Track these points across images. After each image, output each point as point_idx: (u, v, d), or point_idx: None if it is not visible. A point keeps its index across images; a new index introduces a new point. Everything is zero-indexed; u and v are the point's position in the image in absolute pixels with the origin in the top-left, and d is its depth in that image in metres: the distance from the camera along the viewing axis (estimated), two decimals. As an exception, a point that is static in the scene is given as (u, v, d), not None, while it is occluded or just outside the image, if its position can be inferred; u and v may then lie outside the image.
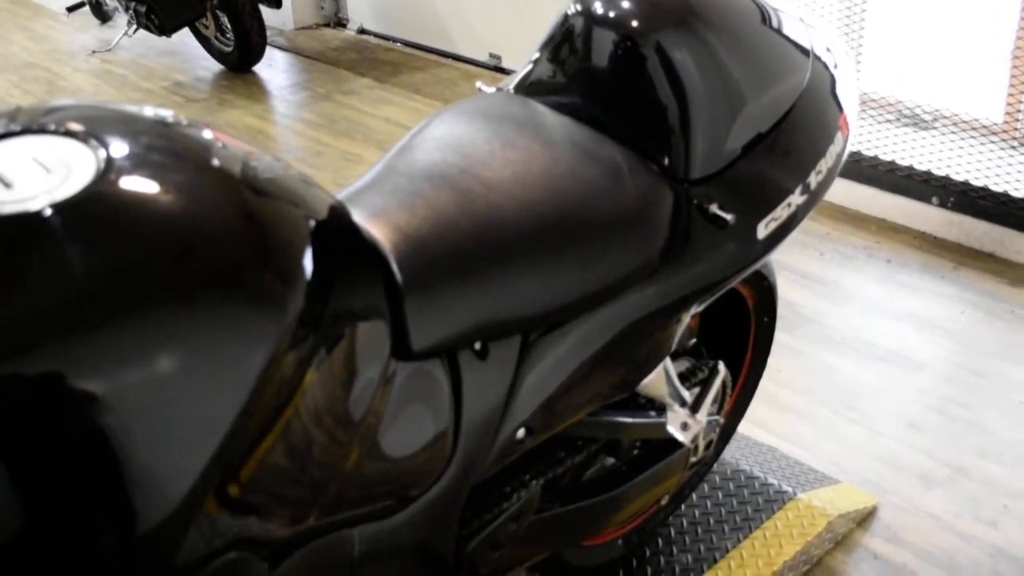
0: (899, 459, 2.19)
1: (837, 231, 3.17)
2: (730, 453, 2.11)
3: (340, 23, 5.62)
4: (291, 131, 4.34)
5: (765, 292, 1.75)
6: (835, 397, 2.39)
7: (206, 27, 5.02)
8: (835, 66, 1.52)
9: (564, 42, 1.41)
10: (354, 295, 1.01)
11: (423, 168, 1.26)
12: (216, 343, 0.85)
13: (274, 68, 5.12)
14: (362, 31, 5.48)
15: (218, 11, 4.83)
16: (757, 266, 1.42)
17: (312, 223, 0.98)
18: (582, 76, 1.39)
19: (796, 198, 1.42)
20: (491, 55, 4.74)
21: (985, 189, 2.98)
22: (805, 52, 1.47)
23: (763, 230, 1.38)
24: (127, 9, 4.78)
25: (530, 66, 1.46)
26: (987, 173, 2.99)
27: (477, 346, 1.17)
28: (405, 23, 5.22)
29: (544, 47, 1.45)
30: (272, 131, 4.33)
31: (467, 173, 1.24)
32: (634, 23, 1.35)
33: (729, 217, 1.32)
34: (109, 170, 0.86)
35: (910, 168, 3.13)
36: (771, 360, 1.92)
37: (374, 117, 4.36)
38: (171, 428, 0.83)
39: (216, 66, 5.13)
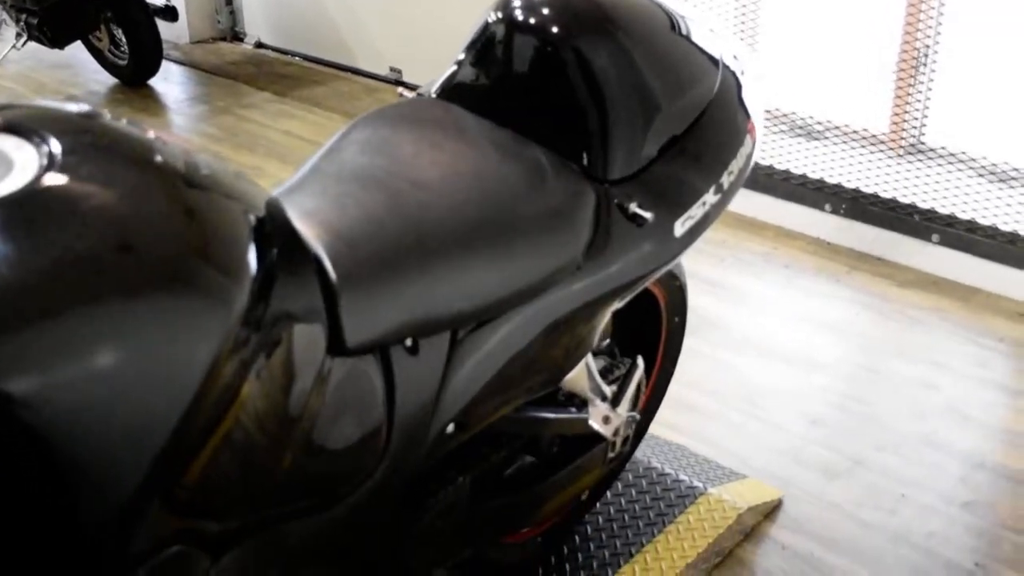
0: (802, 453, 2.27)
1: (736, 238, 3.27)
2: (641, 452, 2.17)
3: (237, 37, 5.57)
4: (190, 145, 4.27)
5: (676, 292, 1.81)
6: (739, 396, 2.47)
7: (99, 39, 4.93)
8: (742, 73, 1.59)
9: (485, 47, 1.45)
10: (293, 293, 1.02)
11: (351, 170, 1.29)
12: (162, 340, 0.85)
13: (170, 82, 5.05)
14: (259, 45, 5.44)
15: (112, 24, 4.75)
16: (674, 263, 1.48)
17: (252, 219, 0.99)
18: (503, 81, 1.43)
19: (710, 197, 1.48)
20: (391, 69, 4.76)
21: (875, 196, 3.12)
22: (715, 60, 1.54)
23: (680, 228, 1.44)
24: (17, 21, 4.67)
25: (452, 71, 1.50)
26: (876, 180, 3.13)
27: (408, 342, 1.19)
28: (303, 37, 5.20)
29: (466, 52, 1.48)
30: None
31: (394, 174, 1.27)
32: (554, 29, 1.40)
33: (648, 216, 1.37)
34: (51, 166, 0.87)
35: (804, 176, 3.25)
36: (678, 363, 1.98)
37: (275, 130, 4.34)
38: (115, 426, 0.83)
39: (110, 79, 5.03)
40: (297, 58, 5.24)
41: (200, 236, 0.92)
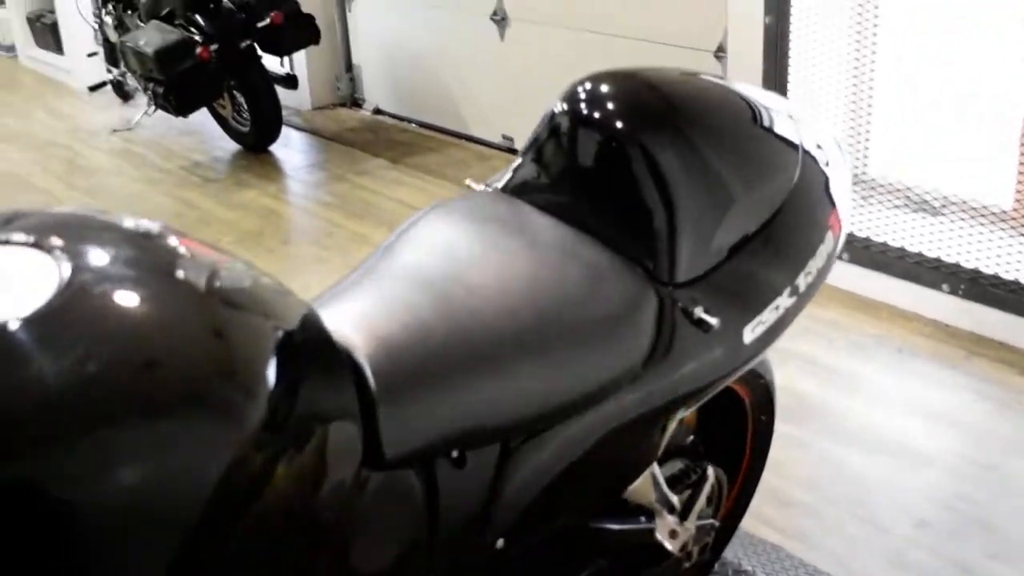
0: (906, 558, 2.13)
1: (847, 318, 3.13)
2: (731, 551, 2.07)
3: (356, 103, 5.68)
4: (305, 211, 4.37)
5: (762, 390, 1.72)
6: (841, 491, 2.34)
7: (223, 107, 5.09)
8: (827, 163, 1.51)
9: (550, 141, 1.41)
10: (323, 404, 1.00)
11: (404, 271, 1.26)
12: (171, 457, 0.83)
13: (290, 148, 5.17)
14: (377, 111, 5.53)
15: (235, 92, 4.90)
16: (744, 370, 1.40)
17: (280, 333, 0.97)
18: (567, 176, 1.39)
19: (784, 300, 1.40)
20: (504, 136, 4.77)
21: (996, 277, 2.95)
22: (794, 149, 1.46)
23: (749, 334, 1.36)
24: (145, 90, 4.85)
25: (517, 164, 1.46)
26: (997, 260, 2.96)
27: (454, 454, 1.15)
28: (419, 104, 5.27)
29: (530, 146, 1.45)
30: (286, 211, 4.36)
31: (448, 276, 1.23)
32: (618, 124, 1.35)
33: (714, 321, 1.29)
34: (72, 283, 0.86)
35: (919, 255, 3.10)
36: (777, 453, 1.89)
37: (387, 198, 4.38)
38: (125, 539, 0.81)
39: (233, 146, 5.18)
40: (413, 124, 5.30)
41: (218, 355, 0.90)
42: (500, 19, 4.56)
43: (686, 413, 1.41)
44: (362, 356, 1.09)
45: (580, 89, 1.41)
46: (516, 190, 1.44)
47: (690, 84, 1.48)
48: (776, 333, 1.40)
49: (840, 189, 1.53)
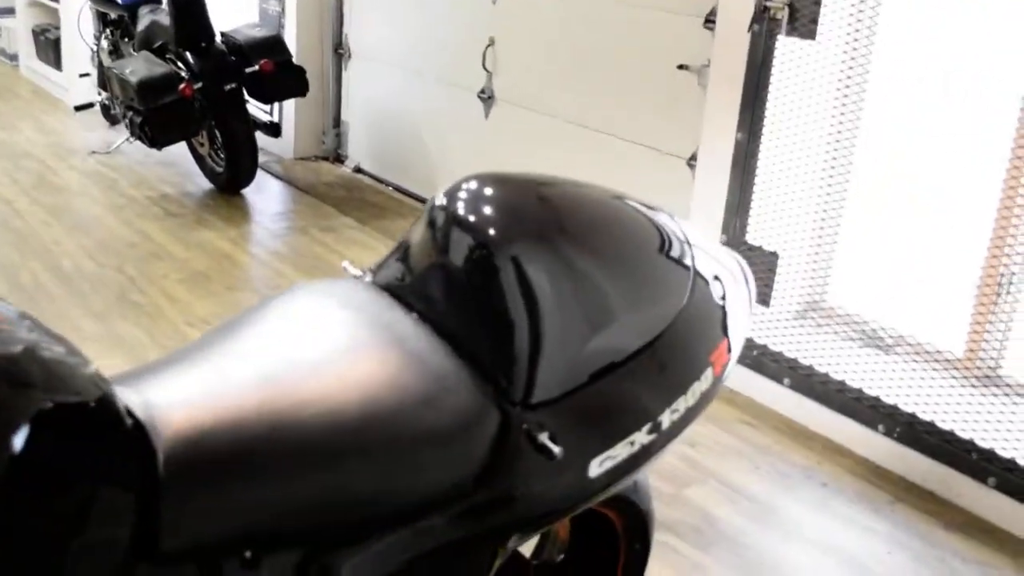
0: None
1: (779, 445, 3.05)
2: None
3: (339, 159, 5.65)
4: (257, 260, 4.30)
5: (636, 517, 1.63)
6: (734, 629, 2.25)
7: (201, 145, 5.06)
8: (722, 296, 1.44)
9: (425, 234, 1.34)
10: (85, 480, 0.93)
11: (240, 351, 1.19)
12: None
13: (262, 194, 5.12)
14: (358, 170, 5.50)
15: (215, 131, 4.87)
16: (587, 505, 1.31)
17: (44, 405, 0.90)
18: (435, 275, 1.32)
19: (642, 436, 1.31)
20: (475, 212, 4.72)
21: (932, 424, 2.87)
22: (684, 279, 1.39)
23: (596, 467, 1.27)
24: (124, 117, 4.82)
25: (393, 252, 1.40)
26: (935, 408, 2.89)
27: (247, 555, 1.06)
28: (398, 168, 5.24)
29: (410, 234, 1.38)
30: (239, 257, 4.29)
31: (281, 365, 1.16)
32: (492, 231, 1.27)
33: (557, 450, 1.21)
34: None
35: (859, 391, 3.03)
36: (669, 577, 1.80)
37: (341, 257, 4.31)
38: None
39: (206, 184, 5.14)
40: (390, 188, 5.26)
41: None
42: (487, 97, 4.55)
43: (521, 542, 1.32)
44: (159, 437, 1.01)
45: (464, 186, 1.34)
46: (387, 279, 1.37)
47: (581, 198, 1.40)
48: (629, 469, 1.31)
49: (734, 324, 1.46)
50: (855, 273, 3.26)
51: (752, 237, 3.23)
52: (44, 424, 0.89)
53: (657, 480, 2.77)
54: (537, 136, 4.31)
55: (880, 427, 2.97)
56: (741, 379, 3.28)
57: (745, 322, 1.51)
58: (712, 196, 3.30)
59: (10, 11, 7.72)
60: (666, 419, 1.33)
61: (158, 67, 4.63)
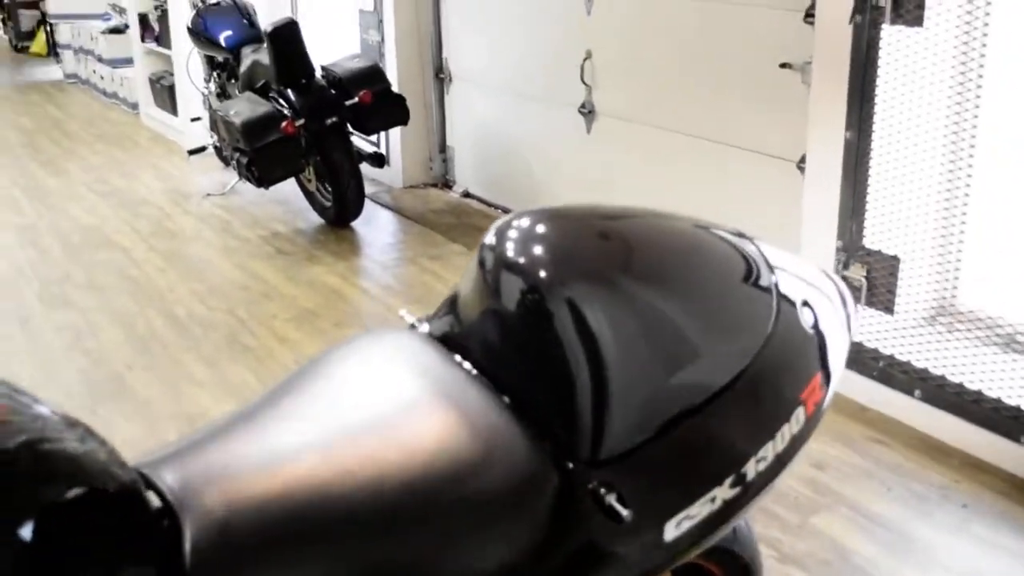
0: None
1: (912, 462, 2.84)
2: None
3: (447, 185, 5.61)
4: (366, 294, 4.27)
5: (737, 570, 1.49)
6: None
7: (309, 181, 5.08)
8: (812, 325, 1.30)
9: (477, 277, 1.23)
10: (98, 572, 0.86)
11: (285, 417, 1.11)
12: None
13: (371, 225, 5.11)
14: (467, 194, 5.45)
15: (320, 166, 4.87)
16: (665, 570, 1.18)
17: (65, 493, 0.84)
18: (488, 322, 1.21)
19: (724, 491, 1.17)
20: (584, 230, 4.61)
21: (1082, 435, 2.63)
22: (767, 308, 1.25)
23: (673, 530, 1.14)
24: (231, 158, 4.87)
25: (447, 301, 1.30)
26: (1086, 417, 2.64)
27: None
28: (506, 190, 5.16)
29: (463, 280, 1.28)
30: (348, 292, 4.27)
31: (323, 432, 1.08)
32: (543, 272, 1.16)
33: (626, 513, 1.08)
34: None
35: (998, 400, 2.79)
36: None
37: (449, 285, 4.25)
38: None
39: (317, 219, 5.16)
40: (499, 211, 5.19)
41: None
42: (588, 112, 4.43)
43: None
44: (190, 519, 0.94)
45: (515, 223, 1.23)
46: (442, 327, 1.28)
47: (645, 229, 1.28)
48: (711, 529, 1.17)
49: (829, 353, 1.31)
50: (988, 272, 3.02)
51: (870, 241, 3.02)
52: (50, 517, 0.82)
53: (782, 508, 2.61)
54: (641, 148, 4.18)
55: (1023, 439, 2.73)
56: (868, 392, 3.08)
57: (842, 350, 1.36)
58: (824, 200, 3.11)
59: (129, 61, 7.96)
60: (751, 470, 1.19)
61: (260, 107, 4.66)
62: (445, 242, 4.81)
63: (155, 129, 7.50)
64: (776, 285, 1.28)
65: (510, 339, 1.18)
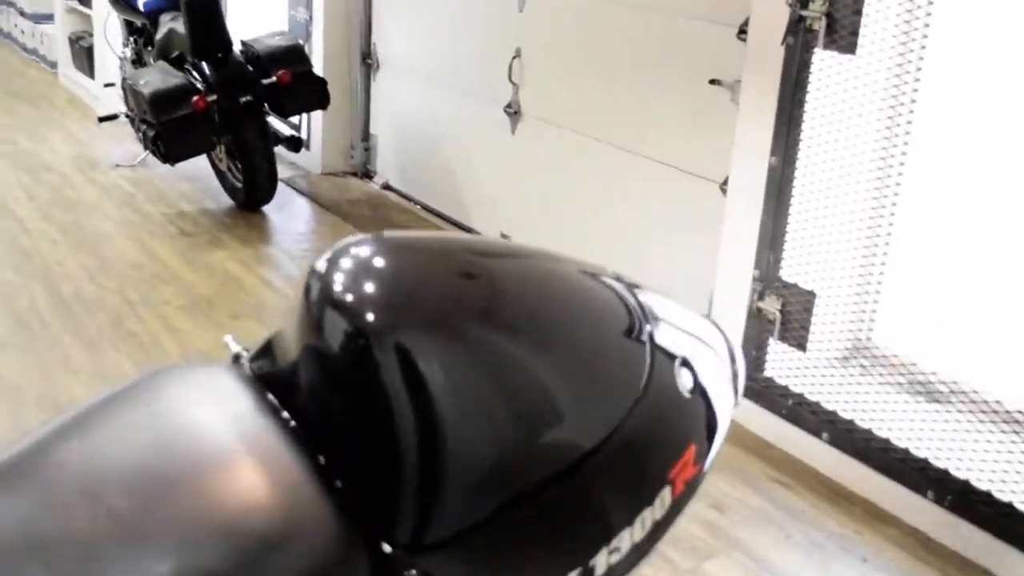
0: None
1: (815, 508, 2.71)
2: None
3: (367, 174, 5.40)
4: (267, 284, 4.06)
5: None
6: None
7: (220, 159, 4.84)
8: (690, 390, 1.13)
9: (303, 313, 1.04)
10: None
11: (58, 464, 0.93)
12: None
13: (283, 212, 4.89)
14: (387, 187, 5.24)
15: (232, 147, 4.64)
16: None
17: None
18: (310, 365, 1.02)
19: None
20: (502, 234, 4.44)
21: (988, 495, 2.51)
22: (633, 372, 1.07)
23: None
24: (137, 130, 4.62)
25: (274, 333, 1.11)
26: (992, 474, 2.53)
27: None
28: (426, 186, 4.97)
29: (288, 311, 1.09)
30: (248, 281, 4.05)
31: (88, 488, 0.89)
32: (370, 315, 0.97)
33: None
34: None
35: (906, 451, 2.68)
36: None
37: (357, 283, 4.06)
38: None
39: (227, 200, 4.92)
40: (417, 206, 4.99)
41: None
42: (514, 112, 4.26)
43: None
44: None
45: (352, 249, 1.04)
46: (267, 364, 1.09)
47: (502, 267, 1.10)
48: None
49: (709, 421, 1.15)
50: (905, 313, 2.90)
51: (787, 273, 2.89)
52: None
53: (675, 551, 2.46)
54: (564, 154, 4.01)
55: (929, 493, 2.62)
56: (775, 430, 2.95)
57: (727, 413, 1.20)
58: (744, 227, 2.98)
59: (49, 17, 7.62)
60: (602, 562, 1.02)
61: (172, 78, 4.42)
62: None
63: (72, 91, 7.17)
64: (652, 338, 1.11)
65: (331, 389, 1.00)
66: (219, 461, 0.95)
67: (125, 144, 5.75)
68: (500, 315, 1.03)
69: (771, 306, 2.91)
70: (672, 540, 2.48)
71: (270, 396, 1.04)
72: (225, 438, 0.98)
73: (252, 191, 4.68)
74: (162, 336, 3.50)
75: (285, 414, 1.01)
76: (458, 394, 0.96)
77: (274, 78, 4.47)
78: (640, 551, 1.05)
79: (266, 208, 4.85)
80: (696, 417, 1.14)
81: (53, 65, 7.65)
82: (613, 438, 1.02)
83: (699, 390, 1.15)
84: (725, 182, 3.19)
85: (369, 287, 1.00)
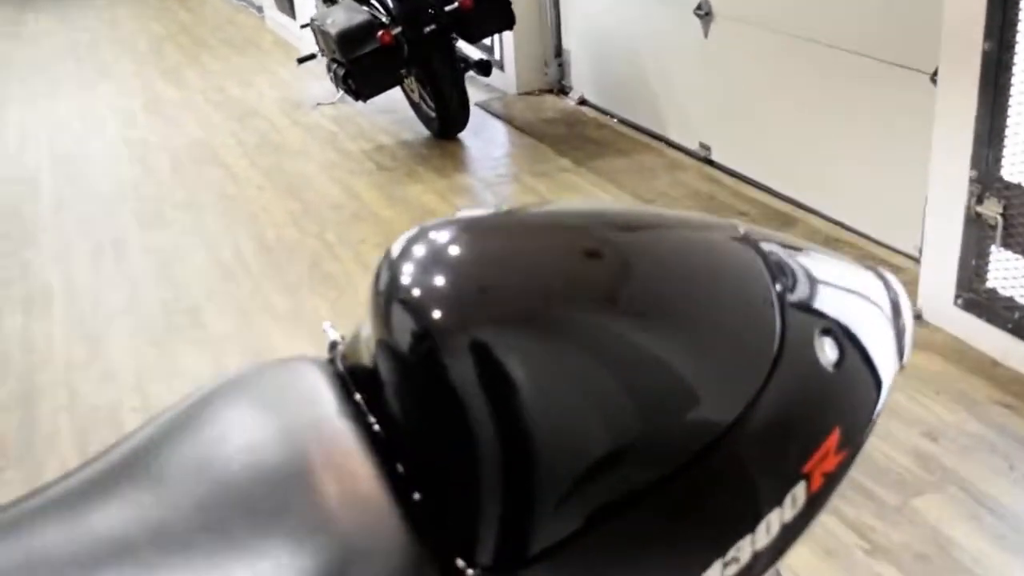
0: None
1: (1045, 432, 2.45)
2: None
3: (563, 91, 5.27)
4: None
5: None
6: None
7: (412, 91, 4.82)
8: (835, 361, 0.97)
9: (374, 304, 0.95)
10: None
11: (110, 506, 0.89)
12: None
13: (479, 137, 4.84)
14: (582, 101, 5.10)
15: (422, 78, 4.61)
16: None
17: None
18: (384, 363, 0.93)
19: None
20: (701, 144, 4.23)
21: None
22: (760, 353, 0.92)
23: None
24: (328, 70, 4.65)
25: (361, 326, 1.02)
26: None
27: None
28: (621, 98, 4.79)
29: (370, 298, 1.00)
30: (442, 213, 4.03)
31: (137, 521, 0.85)
32: (436, 312, 0.87)
33: None
34: None
35: None
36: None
37: (550, 208, 3.97)
38: None
39: (424, 131, 4.92)
40: (614, 120, 4.83)
41: None
42: (704, 14, 4.00)
43: None
44: None
45: (430, 234, 0.93)
46: (352, 355, 1.01)
47: (600, 240, 0.96)
48: None
49: (860, 397, 0.98)
50: None
51: (1009, 172, 2.58)
52: None
53: (881, 487, 2.27)
54: (763, 56, 3.75)
55: None
56: (1001, 347, 2.67)
57: (887, 381, 1.03)
58: (957, 121, 2.67)
59: (254, -38, 7.82)
60: (715, 572, 0.88)
61: (357, 15, 4.41)
62: (554, 156, 4.50)
63: (278, 33, 7.35)
64: (783, 305, 0.95)
65: (403, 392, 0.90)
66: (289, 475, 0.88)
67: (325, 82, 5.81)
68: (589, 300, 0.90)
69: (991, 210, 2.61)
70: (876, 473, 2.30)
71: (357, 396, 0.96)
72: (301, 447, 0.90)
73: (445, 120, 4.65)
74: (357, 277, 3.53)
75: (370, 417, 0.93)
76: (546, 396, 0.85)
77: (456, 4, 4.38)
78: (763, 561, 0.91)
79: (462, 135, 4.81)
80: (842, 395, 0.97)
81: (260, 9, 7.87)
82: (731, 434, 0.88)
83: (848, 361, 0.98)
84: (934, 73, 2.88)
85: (439, 279, 0.89)
